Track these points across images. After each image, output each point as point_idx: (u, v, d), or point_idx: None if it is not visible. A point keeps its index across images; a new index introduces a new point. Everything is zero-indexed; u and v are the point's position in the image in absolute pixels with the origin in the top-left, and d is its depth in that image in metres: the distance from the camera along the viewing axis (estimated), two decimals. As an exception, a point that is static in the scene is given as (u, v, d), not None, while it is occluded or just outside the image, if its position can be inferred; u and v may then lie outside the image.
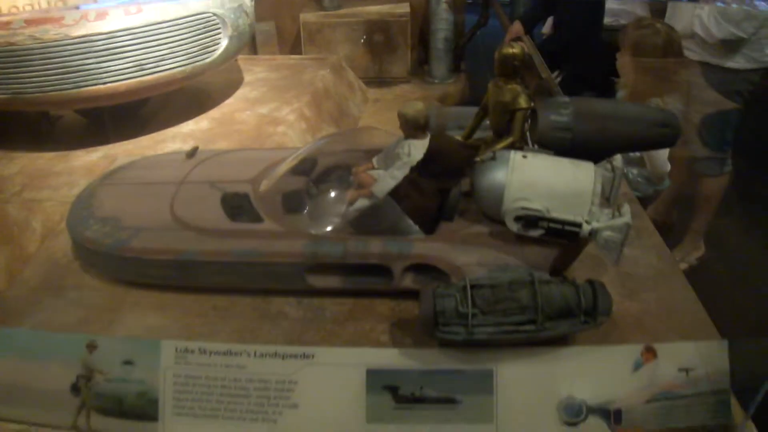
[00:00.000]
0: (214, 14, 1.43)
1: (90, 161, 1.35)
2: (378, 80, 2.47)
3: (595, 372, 0.70)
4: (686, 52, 1.91)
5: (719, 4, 1.78)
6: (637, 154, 1.72)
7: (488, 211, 0.79)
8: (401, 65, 2.53)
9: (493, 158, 0.76)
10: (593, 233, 0.72)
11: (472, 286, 0.68)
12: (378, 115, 1.99)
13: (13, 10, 1.46)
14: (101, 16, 1.26)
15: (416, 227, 0.81)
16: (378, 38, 2.47)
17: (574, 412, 0.69)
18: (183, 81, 1.45)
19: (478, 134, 0.91)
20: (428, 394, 0.69)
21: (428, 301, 0.68)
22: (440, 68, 2.59)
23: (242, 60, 1.99)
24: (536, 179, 0.74)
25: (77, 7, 1.32)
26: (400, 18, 2.46)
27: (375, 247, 0.80)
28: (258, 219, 0.86)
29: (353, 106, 1.96)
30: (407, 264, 0.79)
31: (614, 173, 0.76)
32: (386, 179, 0.83)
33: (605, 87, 1.93)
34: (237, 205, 0.88)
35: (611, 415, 0.68)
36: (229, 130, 1.49)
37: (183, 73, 1.40)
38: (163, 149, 1.39)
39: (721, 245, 2.12)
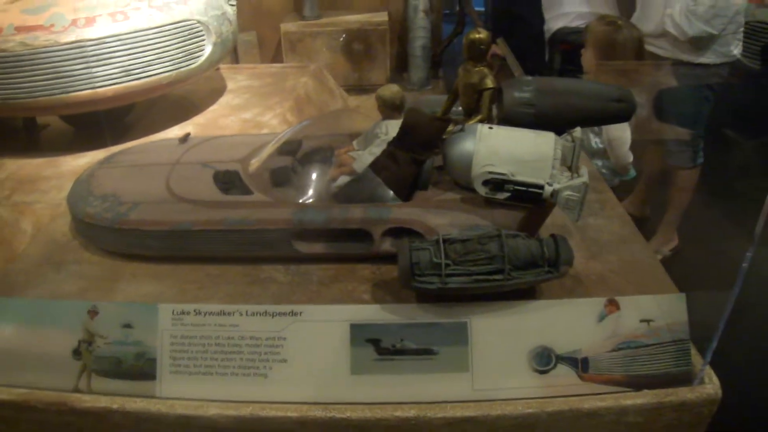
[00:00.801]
0: (198, 21, 1.48)
1: (78, 166, 1.37)
2: (358, 87, 2.52)
3: (563, 323, 0.73)
4: (658, 51, 1.97)
5: None
6: (601, 146, 1.79)
7: (459, 179, 0.85)
8: (380, 73, 2.59)
9: (462, 130, 0.83)
10: (555, 194, 0.78)
11: (445, 240, 0.72)
12: (358, 121, 2.04)
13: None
14: (90, 22, 1.30)
15: (394, 195, 0.86)
16: (357, 47, 2.53)
17: (544, 361, 0.72)
18: (168, 87, 1.49)
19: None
20: (408, 345, 0.72)
21: (405, 254, 0.72)
22: (418, 75, 2.65)
23: (225, 69, 2.02)
24: (501, 147, 0.80)
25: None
26: (378, 27, 2.52)
27: (356, 213, 0.85)
28: (248, 192, 0.91)
29: (334, 112, 2.00)
30: (386, 228, 0.84)
31: (574, 143, 0.82)
32: (365, 156, 0.90)
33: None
34: (228, 181, 0.93)
35: (579, 363, 0.72)
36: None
37: (168, 79, 1.44)
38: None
39: (694, 236, 2.19)
